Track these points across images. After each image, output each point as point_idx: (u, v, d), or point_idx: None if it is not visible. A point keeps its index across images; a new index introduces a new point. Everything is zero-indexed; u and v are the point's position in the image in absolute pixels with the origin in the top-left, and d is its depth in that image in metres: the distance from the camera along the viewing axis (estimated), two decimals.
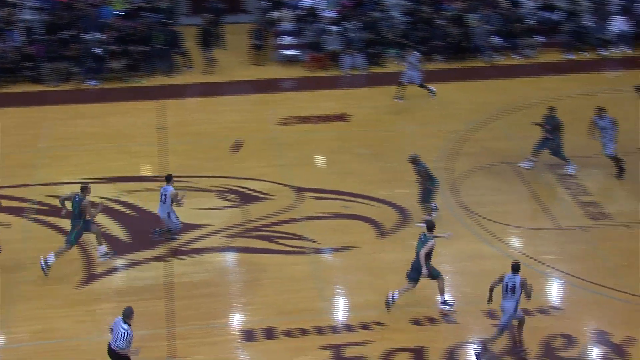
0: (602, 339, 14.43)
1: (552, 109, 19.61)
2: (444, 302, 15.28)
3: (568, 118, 19.89)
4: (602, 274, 16.08)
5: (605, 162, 19.68)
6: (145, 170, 20.53)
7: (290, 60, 26.72)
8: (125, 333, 12.73)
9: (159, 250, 17.15)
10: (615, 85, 24.61)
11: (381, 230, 17.74)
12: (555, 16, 27.30)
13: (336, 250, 17.20)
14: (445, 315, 15.08)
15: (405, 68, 23.39)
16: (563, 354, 14.10)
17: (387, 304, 15.15)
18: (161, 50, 25.93)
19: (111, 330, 13.08)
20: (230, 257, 17.22)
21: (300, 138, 21.88)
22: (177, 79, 25.89)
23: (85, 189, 16.29)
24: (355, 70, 25.96)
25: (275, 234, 17.71)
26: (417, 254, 14.90)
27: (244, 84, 25.69)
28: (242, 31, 27.69)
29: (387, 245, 17.29)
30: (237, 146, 18.78)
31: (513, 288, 13.72)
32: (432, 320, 15.00)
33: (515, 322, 14.08)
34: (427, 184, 17.59)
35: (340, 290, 16.06)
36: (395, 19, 27.21)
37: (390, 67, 26.18)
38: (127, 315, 12.91)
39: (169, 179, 17.16)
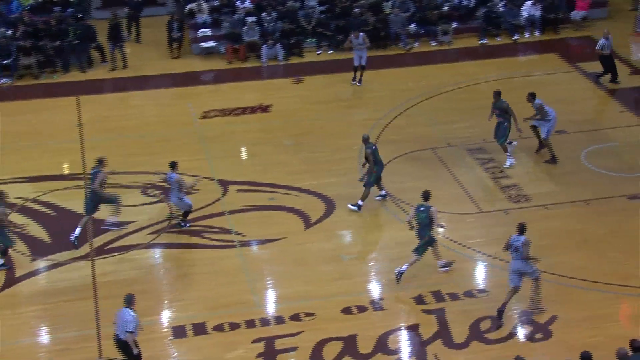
0: (527, 319, 14.81)
1: (497, 93, 19.56)
2: (445, 265, 15.85)
3: (486, 102, 20.22)
4: None
5: (524, 146, 20.12)
6: (65, 169, 20.11)
7: (209, 53, 26.47)
8: (132, 316, 12.95)
9: (82, 250, 16.84)
10: (528, 69, 25.18)
11: (308, 221, 17.79)
12: (468, 2, 27.74)
13: (264, 242, 17.20)
14: (375, 303, 15.24)
15: (354, 50, 23.61)
16: (491, 336, 14.41)
17: (397, 278, 15.51)
18: (75, 45, 25.34)
19: (115, 322, 13.16)
20: (157, 254, 17.05)
21: (222, 131, 21.74)
22: (93, 75, 25.35)
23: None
24: (274, 60, 25.89)
25: (202, 229, 17.58)
26: (421, 224, 15.45)
27: (162, 77, 25.34)
28: (159, 24, 27.28)
29: (315, 235, 17.36)
30: (298, 80, 18.80)
31: (517, 249, 14.46)
32: (362, 309, 15.14)
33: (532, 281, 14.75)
34: (373, 167, 17.72)
35: (270, 282, 16.08)
36: (312, 8, 27.24)
37: (310, 57, 26.21)
38: (129, 301, 13.10)
39: (173, 165, 17.07)
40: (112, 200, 17.34)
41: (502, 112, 19.38)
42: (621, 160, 19.64)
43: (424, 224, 15.51)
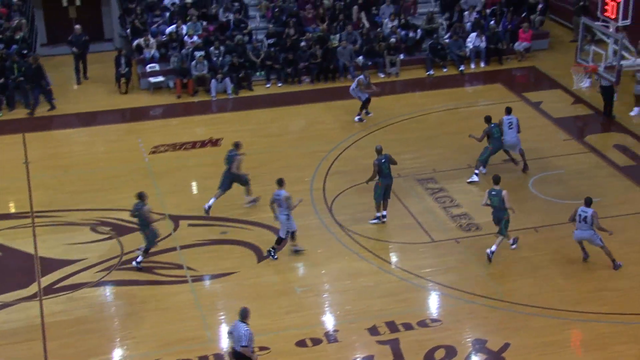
0: (480, 347, 14.90)
1: (488, 118, 20.29)
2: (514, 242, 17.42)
3: (435, 132, 20.48)
4: (476, 284, 16.62)
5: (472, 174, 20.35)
6: (12, 207, 19.80)
7: (158, 88, 26.38)
8: (247, 331, 13.23)
9: (29, 290, 16.53)
10: (475, 99, 25.58)
11: (260, 254, 17.72)
12: (414, 34, 28.12)
13: (217, 276, 17.08)
14: (329, 334, 15.21)
15: (358, 89, 23.61)
16: None
17: (489, 258, 16.99)
18: (21, 82, 25.02)
19: (230, 334, 13.54)
20: (107, 292, 16.80)
21: (172, 165, 21.63)
22: (40, 111, 25.04)
23: None
24: (224, 94, 25.89)
25: (153, 264, 17.40)
26: (496, 207, 17.00)
27: (111, 113, 25.16)
28: (106, 60, 27.15)
29: (268, 268, 17.30)
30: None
31: (585, 218, 16.26)
32: (316, 341, 15.09)
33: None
34: (376, 178, 18.40)
35: (223, 317, 15.95)
36: (260, 41, 27.37)
37: (259, 90, 26.28)
38: (244, 315, 13.38)
39: (280, 182, 17.34)
40: (245, 182, 19.04)
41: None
42: (567, 187, 19.98)
43: (499, 207, 16.98)
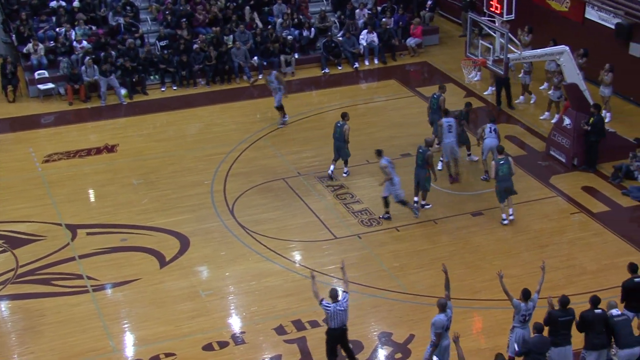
0: (386, 339, 15.11)
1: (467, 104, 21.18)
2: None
3: (332, 130, 20.54)
4: (379, 278, 16.84)
5: (372, 170, 20.61)
6: None
7: (47, 95, 25.66)
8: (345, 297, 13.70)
9: None
10: (370, 96, 25.90)
11: (163, 260, 17.49)
12: (308, 33, 28.24)
13: (119, 284, 16.76)
14: (234, 337, 15.14)
15: (272, 89, 23.22)
16: None
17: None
18: None
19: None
20: (2, 306, 16.26)
21: (67, 174, 21.09)
22: None
23: None
24: (117, 99, 25.39)
25: (51, 276, 16.95)
26: (505, 175, 18.04)
27: None
28: None
29: (170, 274, 17.09)
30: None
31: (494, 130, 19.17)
32: (223, 344, 15.01)
33: None
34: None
35: (127, 325, 15.67)
36: (152, 45, 26.99)
37: (154, 94, 25.90)
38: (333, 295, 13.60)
39: (379, 153, 18.48)
40: (346, 154, 20.50)
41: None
42: (463, 179, 20.44)
43: (508, 174, 18.07)
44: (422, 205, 18.95)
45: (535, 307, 13.55)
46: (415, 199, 18.98)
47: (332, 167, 20.49)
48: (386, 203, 18.66)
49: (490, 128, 20.06)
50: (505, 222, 18.51)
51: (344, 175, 20.59)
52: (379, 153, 18.59)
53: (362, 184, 20.31)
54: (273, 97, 23.37)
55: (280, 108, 23.36)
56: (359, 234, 18.34)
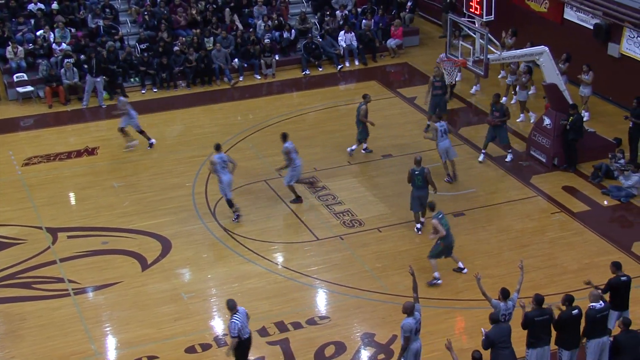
0: (369, 340, 15.12)
1: (497, 95, 21.13)
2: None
3: (313, 131, 20.66)
4: (362, 279, 16.85)
5: (353, 171, 20.63)
6: None
7: (27, 97, 25.49)
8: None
9: None
10: (351, 97, 25.91)
11: (145, 262, 17.42)
12: (288, 35, 28.25)
13: (100, 287, 16.68)
14: (218, 339, 15.12)
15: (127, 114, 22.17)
16: None
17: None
18: None
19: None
20: None
21: (47, 177, 20.96)
22: None
23: None
24: (97, 102, 25.26)
25: (32, 280, 16.84)
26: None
27: None
28: None
29: (152, 276, 17.03)
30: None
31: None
32: (205, 347, 14.98)
33: None
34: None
35: (109, 329, 15.60)
36: (133, 47, 26.89)
37: (134, 97, 25.77)
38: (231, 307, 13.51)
39: (285, 136, 19.13)
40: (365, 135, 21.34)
41: (502, 114, 20.83)
42: (443, 180, 20.49)
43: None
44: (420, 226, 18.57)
45: (515, 307, 13.61)
46: (422, 219, 18.48)
47: (364, 145, 21.59)
48: (294, 192, 19.22)
49: (441, 131, 20.04)
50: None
51: (362, 152, 21.55)
52: (284, 137, 19.10)
53: (344, 186, 20.31)
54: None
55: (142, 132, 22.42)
56: (341, 235, 18.36)
